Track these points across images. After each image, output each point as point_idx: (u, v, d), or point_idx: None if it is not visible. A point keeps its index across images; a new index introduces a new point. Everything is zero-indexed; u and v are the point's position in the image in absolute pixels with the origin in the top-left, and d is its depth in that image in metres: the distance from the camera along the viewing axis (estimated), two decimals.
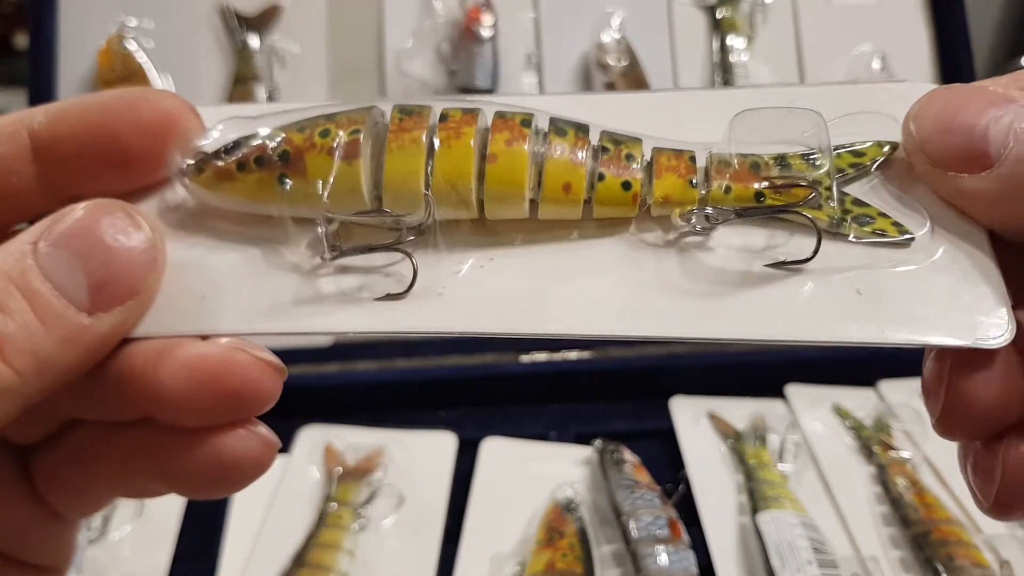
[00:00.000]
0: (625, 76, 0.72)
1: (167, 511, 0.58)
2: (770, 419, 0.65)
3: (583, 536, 0.54)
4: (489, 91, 0.71)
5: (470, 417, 0.67)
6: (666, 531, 0.53)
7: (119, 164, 0.24)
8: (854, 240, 0.23)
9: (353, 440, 0.62)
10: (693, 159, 0.24)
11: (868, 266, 0.23)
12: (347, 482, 0.58)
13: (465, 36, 0.71)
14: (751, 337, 0.23)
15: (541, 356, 0.70)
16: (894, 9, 0.77)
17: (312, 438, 0.62)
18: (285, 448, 0.62)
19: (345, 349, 0.69)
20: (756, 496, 0.57)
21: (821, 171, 0.23)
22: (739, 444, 0.63)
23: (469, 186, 0.23)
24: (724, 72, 0.74)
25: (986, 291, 0.22)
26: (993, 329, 0.22)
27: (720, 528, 0.57)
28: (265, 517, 0.57)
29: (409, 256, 0.23)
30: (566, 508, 0.56)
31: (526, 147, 0.23)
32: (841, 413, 0.67)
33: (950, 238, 0.23)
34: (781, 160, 0.24)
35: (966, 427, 0.23)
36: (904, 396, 0.69)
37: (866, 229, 0.23)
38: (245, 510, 0.57)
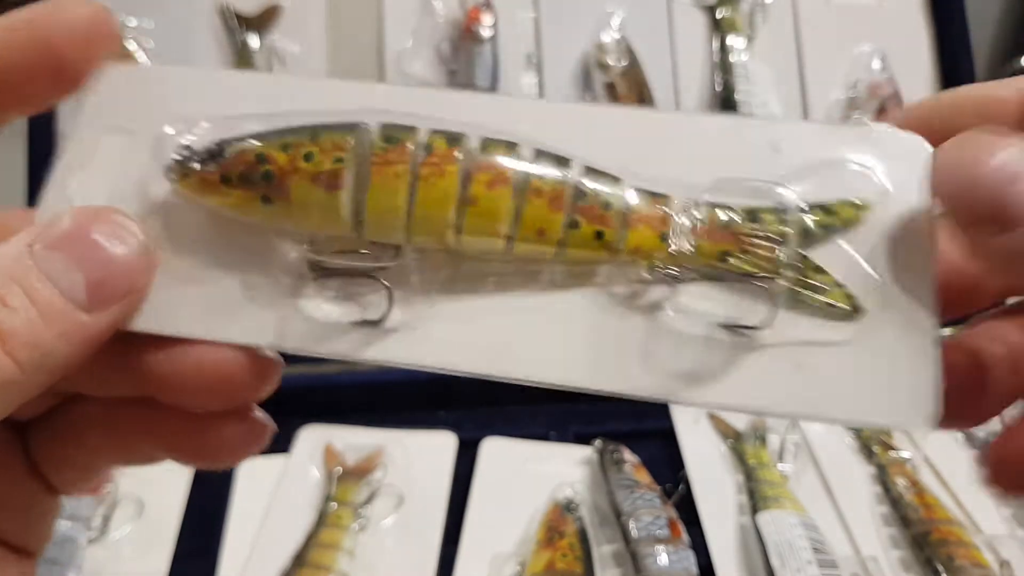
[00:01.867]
0: (625, 76, 0.72)
1: (167, 511, 0.58)
2: (770, 419, 0.65)
3: (583, 536, 0.54)
4: (490, 92, 0.71)
5: (470, 417, 0.67)
6: (666, 531, 0.53)
7: (51, 74, 0.24)
8: (804, 313, 0.24)
9: (353, 440, 0.62)
10: (668, 208, 0.24)
11: (812, 339, 0.24)
12: (347, 482, 0.58)
13: (465, 36, 0.71)
14: (691, 401, 0.24)
15: None
16: (894, 9, 0.77)
17: (312, 438, 0.62)
18: (285, 448, 0.62)
19: None
20: (756, 496, 0.57)
21: (788, 231, 0.24)
22: (739, 444, 0.63)
23: (447, 227, 0.24)
24: (724, 72, 0.74)
25: (920, 377, 0.23)
26: (919, 415, 0.23)
27: (720, 528, 0.57)
28: (265, 517, 0.57)
29: (387, 288, 0.24)
30: (566, 508, 0.56)
31: (507, 191, 0.23)
32: None
33: (897, 318, 0.23)
34: (753, 215, 0.24)
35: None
36: None
37: (820, 299, 0.24)
38: (245, 510, 0.57)
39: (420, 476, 0.60)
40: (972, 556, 0.52)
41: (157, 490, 0.59)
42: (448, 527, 0.57)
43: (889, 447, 0.62)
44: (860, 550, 0.56)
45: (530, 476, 0.60)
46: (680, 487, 0.60)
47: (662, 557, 0.51)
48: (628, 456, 0.59)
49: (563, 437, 0.65)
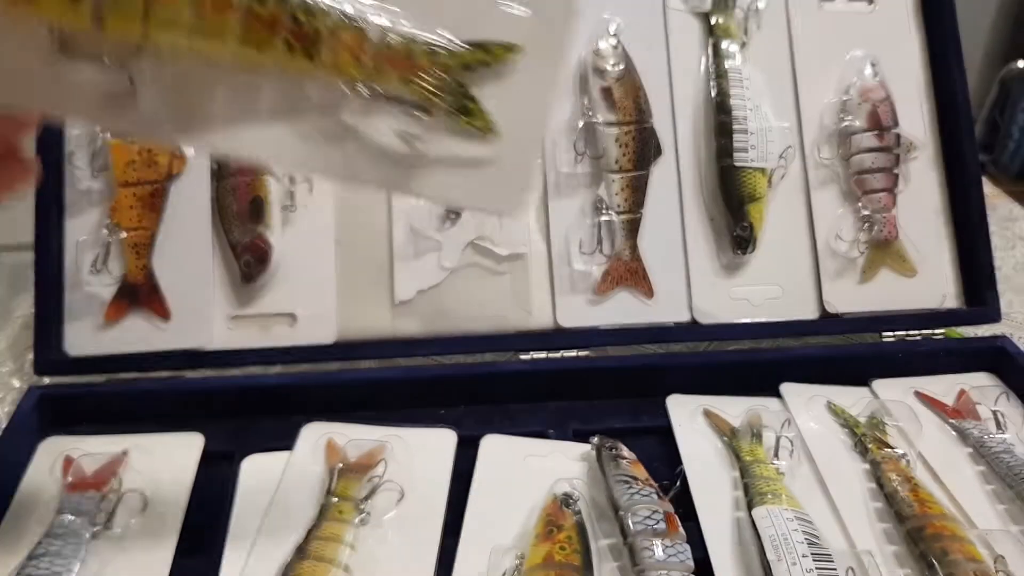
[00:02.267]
0: (621, 81, 0.73)
1: (171, 505, 0.58)
2: (765, 417, 0.66)
3: (581, 529, 0.55)
4: None
5: (470, 415, 0.68)
6: (663, 525, 0.53)
7: None
8: (456, 130, 0.33)
9: (355, 437, 0.63)
10: (368, 36, 0.30)
11: (459, 150, 0.33)
12: (348, 477, 0.59)
13: None
14: (367, 180, 0.33)
15: (540, 355, 0.71)
16: (886, 15, 0.79)
17: (314, 435, 0.63)
18: (288, 444, 0.62)
19: (348, 348, 0.70)
20: (751, 491, 0.58)
21: (453, 64, 0.32)
22: (735, 441, 0.64)
23: (178, 38, 0.29)
24: (718, 77, 0.75)
25: (523, 182, 0.35)
26: (509, 205, 0.36)
27: (716, 522, 0.58)
28: (268, 511, 0.57)
29: (129, 78, 0.29)
30: (564, 502, 0.57)
31: (232, 13, 0.28)
32: (835, 411, 0.67)
33: (517, 142, 0.34)
34: (429, 48, 0.31)
35: None
36: (898, 394, 0.69)
37: (467, 121, 0.32)
38: (248, 504, 0.58)
39: (421, 472, 0.61)
40: (966, 550, 0.53)
41: (161, 485, 0.59)
42: (448, 521, 0.57)
43: (884, 444, 0.63)
44: (855, 545, 0.56)
45: (529, 472, 0.61)
46: (677, 483, 0.61)
47: (659, 550, 0.52)
48: (626, 452, 0.60)
49: (562, 434, 0.66)
